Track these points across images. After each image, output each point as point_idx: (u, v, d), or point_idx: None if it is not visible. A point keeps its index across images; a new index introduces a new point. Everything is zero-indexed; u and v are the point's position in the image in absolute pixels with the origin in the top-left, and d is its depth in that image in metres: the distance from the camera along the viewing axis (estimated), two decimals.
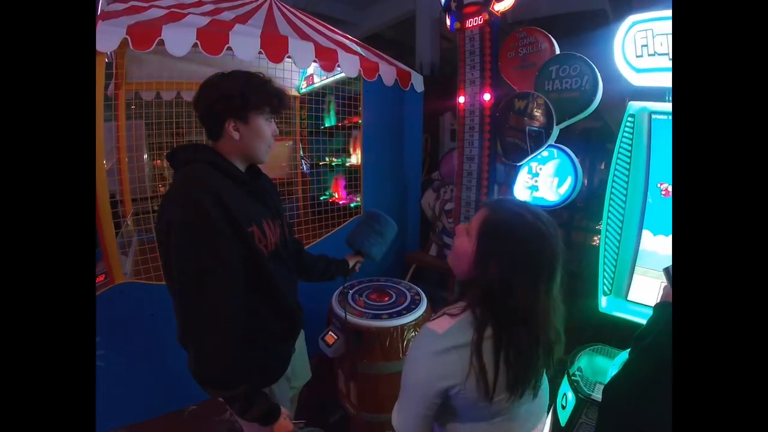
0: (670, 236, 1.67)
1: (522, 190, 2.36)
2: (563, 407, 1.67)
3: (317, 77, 3.12)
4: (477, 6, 2.29)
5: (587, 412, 1.54)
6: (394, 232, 1.76)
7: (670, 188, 1.67)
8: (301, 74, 3.23)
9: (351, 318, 1.97)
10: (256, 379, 1.15)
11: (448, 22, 2.45)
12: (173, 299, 1.06)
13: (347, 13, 4.87)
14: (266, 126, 1.18)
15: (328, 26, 2.68)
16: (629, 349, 1.03)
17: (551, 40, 2.19)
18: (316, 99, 3.21)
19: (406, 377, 0.91)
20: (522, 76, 2.32)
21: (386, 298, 2.16)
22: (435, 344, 0.85)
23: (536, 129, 2.22)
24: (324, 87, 3.13)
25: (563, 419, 1.64)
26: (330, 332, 2.08)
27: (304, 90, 3.31)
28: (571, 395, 1.63)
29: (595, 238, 2.64)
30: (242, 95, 1.11)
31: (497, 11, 2.26)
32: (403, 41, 4.81)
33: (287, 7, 2.60)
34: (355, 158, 3.17)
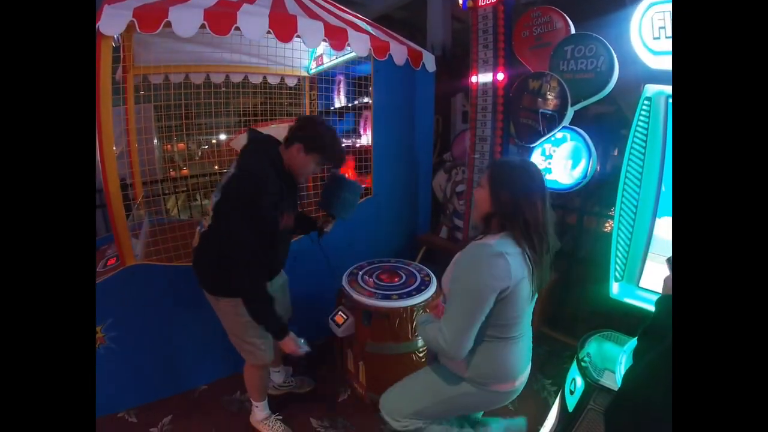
0: None
1: None
2: (571, 392, 1.67)
3: (327, 57, 3.06)
4: None
5: (596, 398, 1.53)
6: (357, 192, 1.97)
7: None
8: (310, 54, 3.18)
9: (360, 298, 1.99)
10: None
11: (460, 0, 2.39)
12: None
13: None
14: (314, 165, 1.64)
15: (338, 5, 2.62)
16: (636, 341, 0.99)
17: (566, 19, 2.12)
18: (326, 79, 3.17)
19: (464, 284, 1.16)
20: (536, 56, 2.26)
21: (396, 279, 2.16)
22: (490, 250, 1.12)
23: (550, 111, 2.18)
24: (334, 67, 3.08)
25: (571, 405, 1.64)
26: (339, 312, 2.10)
27: (313, 71, 3.27)
28: (580, 380, 1.63)
29: (607, 224, 2.60)
30: (323, 142, 1.60)
31: None
32: (413, 22, 4.69)
33: None
34: (365, 139, 3.14)
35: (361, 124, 3.23)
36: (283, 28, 2.05)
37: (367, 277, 2.17)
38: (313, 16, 2.24)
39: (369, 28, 2.52)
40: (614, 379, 1.57)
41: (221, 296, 1.67)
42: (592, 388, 1.55)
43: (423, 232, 3.20)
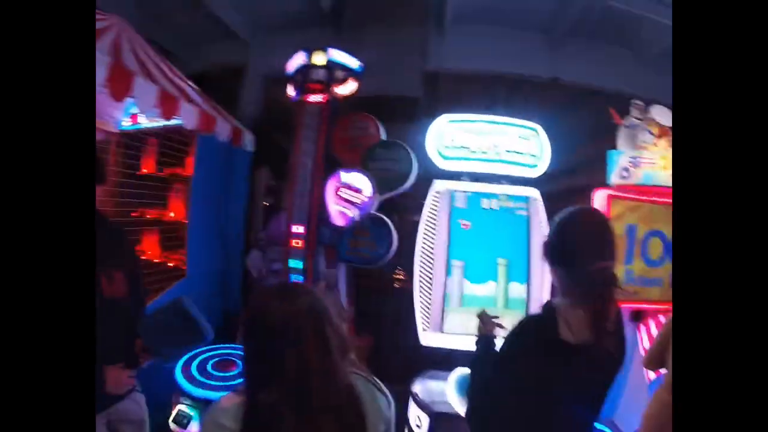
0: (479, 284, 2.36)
1: (347, 250, 2.68)
2: (418, 427, 1.99)
3: (144, 117, 2.66)
4: (321, 85, 2.55)
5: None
6: (201, 338, 1.48)
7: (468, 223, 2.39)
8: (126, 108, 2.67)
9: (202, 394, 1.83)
10: None
11: (291, 92, 2.62)
12: None
13: (177, 47, 4.16)
14: None
15: (169, 65, 2.43)
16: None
17: (378, 125, 2.65)
18: (137, 138, 2.70)
19: None
20: (351, 153, 2.68)
21: (233, 367, 2.03)
22: (213, 414, 0.83)
23: (360, 200, 2.58)
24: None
25: None
26: (180, 410, 1.82)
27: (125, 127, 2.76)
28: (423, 415, 1.97)
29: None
30: None
31: (340, 95, 2.61)
32: (229, 86, 4.34)
33: (132, 31, 2.26)
34: (173, 213, 2.79)
35: (172, 195, 2.85)
36: (119, 84, 1.83)
37: (201, 370, 1.98)
38: (149, 75, 2.07)
39: (197, 98, 2.46)
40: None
41: None
42: (440, 417, 1.91)
43: (236, 310, 3.03)
